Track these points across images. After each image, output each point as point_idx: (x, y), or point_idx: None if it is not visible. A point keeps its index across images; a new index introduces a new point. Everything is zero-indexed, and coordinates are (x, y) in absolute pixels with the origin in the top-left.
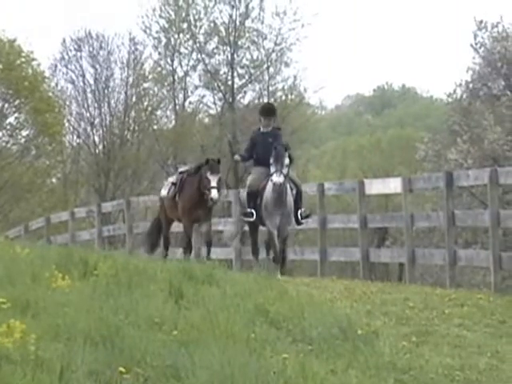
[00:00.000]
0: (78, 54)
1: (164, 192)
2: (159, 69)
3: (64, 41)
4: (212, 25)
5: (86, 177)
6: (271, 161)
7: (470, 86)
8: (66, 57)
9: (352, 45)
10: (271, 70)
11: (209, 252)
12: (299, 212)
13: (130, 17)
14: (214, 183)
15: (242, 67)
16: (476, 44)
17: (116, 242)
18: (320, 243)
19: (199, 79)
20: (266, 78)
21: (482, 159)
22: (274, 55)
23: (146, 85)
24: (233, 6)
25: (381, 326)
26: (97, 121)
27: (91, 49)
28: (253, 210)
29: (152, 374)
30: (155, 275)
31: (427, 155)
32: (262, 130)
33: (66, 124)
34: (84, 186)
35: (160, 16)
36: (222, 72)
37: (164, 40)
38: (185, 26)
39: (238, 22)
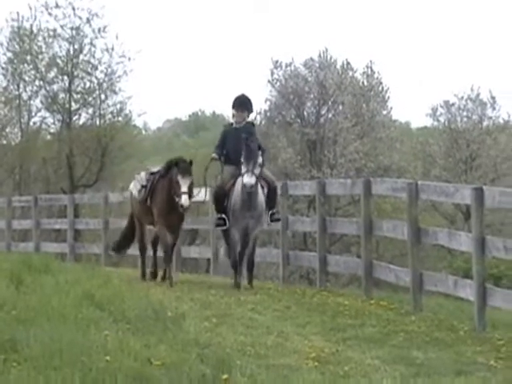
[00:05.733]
0: None
1: (135, 193)
2: (7, 93)
3: None
4: (52, 57)
5: None
6: (242, 159)
7: (268, 114)
8: None
9: (172, 76)
10: (102, 96)
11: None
12: (270, 212)
13: None
14: (184, 188)
15: (77, 93)
16: (273, 80)
17: None
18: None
19: (41, 103)
20: (98, 102)
21: (276, 174)
22: (104, 84)
23: None
24: (70, 42)
25: (188, 309)
26: None
27: None
28: (224, 216)
29: None
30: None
31: None
32: (234, 124)
33: None
34: None
35: (7, 49)
36: (60, 97)
37: (11, 69)
38: (28, 57)
39: (73, 56)
